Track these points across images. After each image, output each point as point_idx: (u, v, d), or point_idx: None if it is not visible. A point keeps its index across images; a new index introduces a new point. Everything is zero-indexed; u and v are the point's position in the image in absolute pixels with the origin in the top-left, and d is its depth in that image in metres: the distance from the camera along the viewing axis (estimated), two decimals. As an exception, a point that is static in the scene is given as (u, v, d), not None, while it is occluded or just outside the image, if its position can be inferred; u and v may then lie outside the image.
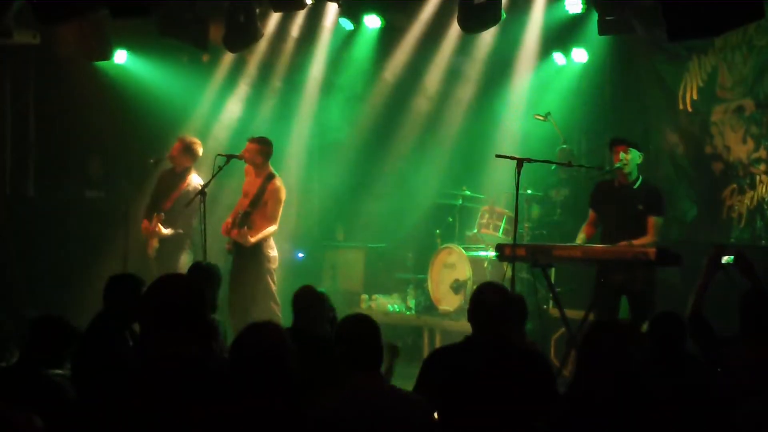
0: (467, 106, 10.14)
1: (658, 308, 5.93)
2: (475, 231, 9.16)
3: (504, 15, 7.63)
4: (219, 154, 7.81)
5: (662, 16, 6.18)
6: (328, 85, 10.45)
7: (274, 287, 8.06)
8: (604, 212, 7.20)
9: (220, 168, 7.69)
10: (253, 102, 10.35)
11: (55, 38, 9.40)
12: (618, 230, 6.94)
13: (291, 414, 3.12)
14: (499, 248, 7.11)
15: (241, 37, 8.58)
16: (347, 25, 9.59)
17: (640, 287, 6.68)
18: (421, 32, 9.56)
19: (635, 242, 6.75)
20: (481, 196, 9.47)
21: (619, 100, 9.33)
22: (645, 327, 4.77)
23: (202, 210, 7.58)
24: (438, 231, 9.59)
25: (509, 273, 6.63)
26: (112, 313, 4.93)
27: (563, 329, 7.36)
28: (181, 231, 8.25)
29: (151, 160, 8.68)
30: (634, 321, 6.55)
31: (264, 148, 8.12)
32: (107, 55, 9.70)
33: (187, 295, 3.32)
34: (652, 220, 6.96)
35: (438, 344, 8.51)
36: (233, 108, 10.31)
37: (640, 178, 7.10)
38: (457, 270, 8.97)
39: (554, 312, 7.77)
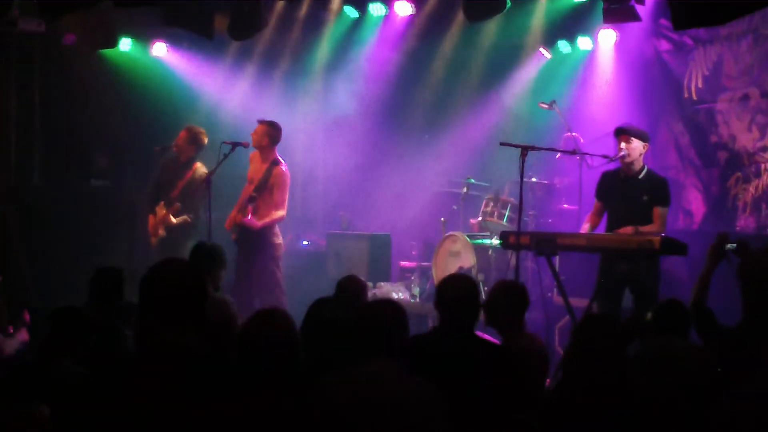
0: (472, 95, 10.15)
1: (662, 298, 5.93)
2: (480, 219, 9.17)
3: (509, 3, 7.62)
4: (224, 142, 7.79)
5: (668, 5, 6.18)
6: (332, 74, 10.47)
7: (279, 275, 8.08)
8: (609, 202, 7.18)
9: (226, 156, 7.70)
10: (258, 90, 10.36)
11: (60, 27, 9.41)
12: (623, 220, 6.92)
13: (298, 406, 3.11)
14: (504, 236, 7.12)
15: (246, 26, 8.58)
16: (352, 12, 9.60)
17: (644, 277, 6.67)
18: (427, 20, 9.55)
19: (642, 230, 6.73)
20: (486, 185, 9.48)
21: (624, 88, 9.32)
22: (649, 316, 4.76)
23: (207, 198, 7.61)
24: (443, 219, 9.60)
25: (513, 261, 6.63)
26: (99, 306, 4.99)
27: (567, 317, 7.37)
28: (188, 219, 8.28)
29: (157, 149, 8.70)
30: (637, 311, 6.55)
31: (272, 131, 8.11)
32: (112, 43, 9.71)
33: (188, 281, 3.23)
34: (658, 210, 6.92)
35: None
36: (239, 96, 10.33)
37: (645, 167, 7.08)
38: (461, 258, 8.97)
39: (558, 300, 7.77)
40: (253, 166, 8.24)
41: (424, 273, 9.60)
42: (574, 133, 8.75)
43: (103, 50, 10.02)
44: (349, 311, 3.85)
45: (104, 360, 4.36)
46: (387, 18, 9.63)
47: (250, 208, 7.86)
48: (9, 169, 10.00)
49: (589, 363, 3.54)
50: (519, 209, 6.78)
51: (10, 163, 10.01)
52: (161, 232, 8.32)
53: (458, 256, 9.03)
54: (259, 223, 7.91)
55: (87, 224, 9.86)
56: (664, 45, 8.92)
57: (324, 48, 10.26)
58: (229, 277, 7.57)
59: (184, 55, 10.25)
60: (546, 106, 8.93)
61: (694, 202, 8.72)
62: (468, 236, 9.05)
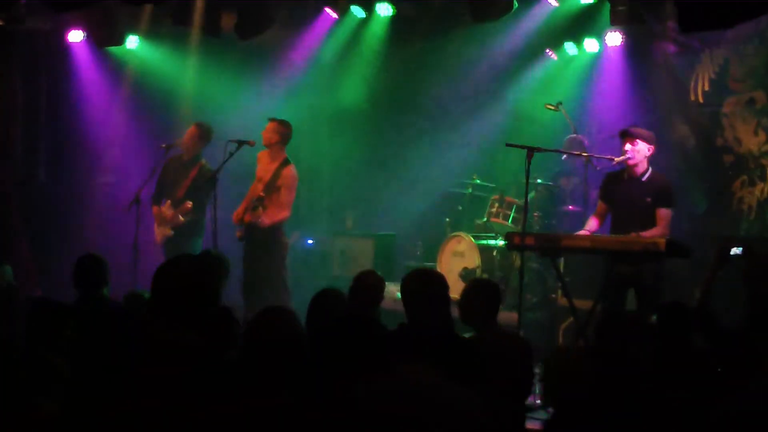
0: (478, 95, 10.14)
1: (666, 300, 5.92)
2: (485, 220, 9.16)
3: (516, 5, 7.62)
4: (230, 140, 7.80)
5: (675, 8, 6.18)
6: (338, 74, 10.47)
7: (285, 274, 8.08)
8: (614, 204, 7.17)
9: (231, 154, 7.71)
10: (263, 88, 10.37)
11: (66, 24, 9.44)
12: (627, 222, 6.92)
13: (303, 405, 3.11)
14: (509, 237, 7.12)
15: (253, 25, 8.59)
16: (359, 12, 9.60)
17: (648, 279, 6.67)
18: (433, 21, 9.56)
19: (644, 234, 6.73)
20: (491, 185, 9.48)
21: (630, 91, 9.31)
22: (653, 319, 4.76)
23: (212, 196, 7.61)
24: (447, 219, 9.60)
25: (518, 262, 6.63)
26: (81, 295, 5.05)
27: (571, 319, 7.37)
28: (195, 218, 8.29)
29: (163, 145, 8.71)
30: (640, 313, 6.54)
31: (282, 129, 8.12)
32: (119, 41, 9.73)
33: (194, 278, 3.23)
34: (662, 212, 6.91)
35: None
36: (245, 94, 10.33)
37: (650, 169, 7.07)
38: (466, 258, 8.97)
39: (563, 301, 7.77)
40: (261, 164, 8.23)
41: (429, 273, 9.58)
42: (579, 135, 8.75)
43: (109, 47, 10.03)
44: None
45: (84, 349, 4.32)
46: (394, 18, 9.63)
47: (260, 210, 7.84)
48: (15, 166, 10.02)
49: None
50: (524, 210, 6.79)
51: (16, 160, 10.02)
52: (168, 231, 8.34)
53: (463, 257, 9.03)
54: (267, 220, 7.91)
55: (92, 220, 9.88)
56: (671, 47, 8.91)
57: (330, 47, 10.26)
58: (236, 275, 7.59)
59: (189, 52, 10.25)
60: (552, 107, 8.92)
61: (698, 204, 8.71)
62: (473, 237, 9.05)
